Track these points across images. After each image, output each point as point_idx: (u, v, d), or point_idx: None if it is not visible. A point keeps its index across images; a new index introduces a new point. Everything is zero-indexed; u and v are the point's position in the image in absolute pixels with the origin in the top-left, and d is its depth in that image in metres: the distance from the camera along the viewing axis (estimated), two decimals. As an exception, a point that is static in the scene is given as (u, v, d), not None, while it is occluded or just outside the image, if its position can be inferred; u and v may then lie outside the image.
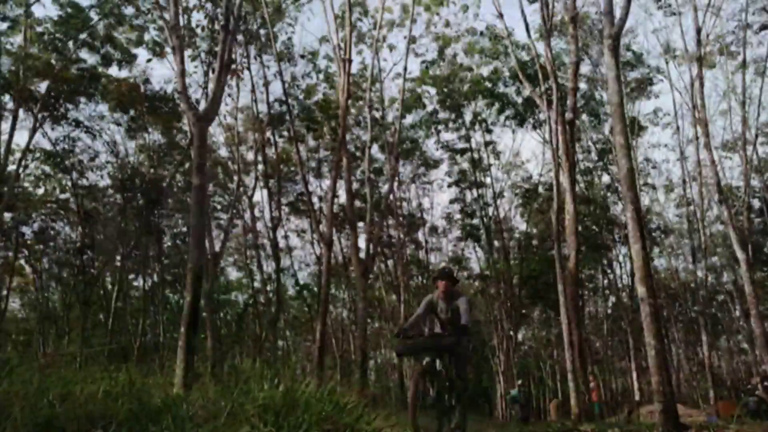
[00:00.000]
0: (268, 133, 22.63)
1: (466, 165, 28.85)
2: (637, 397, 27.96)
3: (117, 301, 22.21)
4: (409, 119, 27.29)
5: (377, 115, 23.74)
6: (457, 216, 31.14)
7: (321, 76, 23.41)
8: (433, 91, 26.56)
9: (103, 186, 23.91)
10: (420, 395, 4.95)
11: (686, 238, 30.56)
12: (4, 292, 26.62)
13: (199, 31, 16.85)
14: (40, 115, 18.64)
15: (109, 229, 24.15)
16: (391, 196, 25.35)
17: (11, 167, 18.97)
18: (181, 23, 9.95)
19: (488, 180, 28.90)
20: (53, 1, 17.72)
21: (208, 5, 14.53)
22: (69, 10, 17.84)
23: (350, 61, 15.67)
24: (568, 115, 15.67)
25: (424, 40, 25.60)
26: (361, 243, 18.02)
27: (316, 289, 31.44)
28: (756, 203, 28.02)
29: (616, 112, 8.30)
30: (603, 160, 28.15)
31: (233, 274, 40.21)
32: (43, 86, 18.50)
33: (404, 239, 29.88)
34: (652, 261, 28.09)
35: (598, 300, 35.91)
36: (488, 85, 25.57)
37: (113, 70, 20.53)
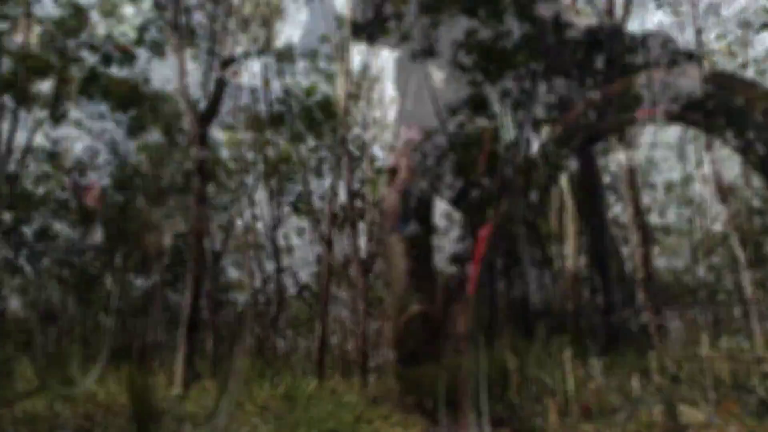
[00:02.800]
0: (268, 133, 22.57)
1: (466, 165, 28.79)
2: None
3: (117, 301, 22.17)
4: (409, 119, 27.23)
5: (377, 114, 23.67)
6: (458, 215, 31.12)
7: (321, 76, 23.32)
8: (433, 90, 26.48)
9: (103, 186, 23.86)
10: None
11: (686, 238, 30.53)
12: (4, 292, 26.61)
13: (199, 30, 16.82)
14: (40, 115, 18.62)
15: (109, 229, 24.09)
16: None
17: (11, 167, 18.94)
18: (181, 23, 9.93)
19: (488, 180, 28.85)
20: (53, 1, 17.72)
21: (209, 5, 14.48)
22: (69, 10, 17.83)
23: (350, 60, 15.63)
24: (568, 115, 15.66)
25: (424, 39, 25.54)
26: (362, 243, 18.00)
27: (316, 289, 31.37)
28: (756, 203, 28.00)
29: (616, 112, 8.29)
30: (603, 160, 28.15)
31: (233, 274, 40.17)
32: (43, 86, 18.48)
33: (404, 239, 29.80)
34: (652, 261, 28.01)
35: (599, 300, 35.87)
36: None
37: (113, 70, 20.48)
